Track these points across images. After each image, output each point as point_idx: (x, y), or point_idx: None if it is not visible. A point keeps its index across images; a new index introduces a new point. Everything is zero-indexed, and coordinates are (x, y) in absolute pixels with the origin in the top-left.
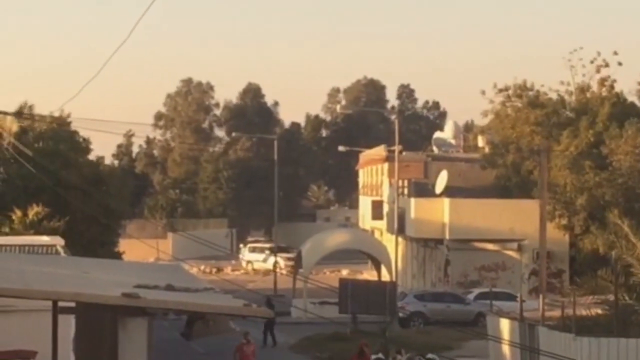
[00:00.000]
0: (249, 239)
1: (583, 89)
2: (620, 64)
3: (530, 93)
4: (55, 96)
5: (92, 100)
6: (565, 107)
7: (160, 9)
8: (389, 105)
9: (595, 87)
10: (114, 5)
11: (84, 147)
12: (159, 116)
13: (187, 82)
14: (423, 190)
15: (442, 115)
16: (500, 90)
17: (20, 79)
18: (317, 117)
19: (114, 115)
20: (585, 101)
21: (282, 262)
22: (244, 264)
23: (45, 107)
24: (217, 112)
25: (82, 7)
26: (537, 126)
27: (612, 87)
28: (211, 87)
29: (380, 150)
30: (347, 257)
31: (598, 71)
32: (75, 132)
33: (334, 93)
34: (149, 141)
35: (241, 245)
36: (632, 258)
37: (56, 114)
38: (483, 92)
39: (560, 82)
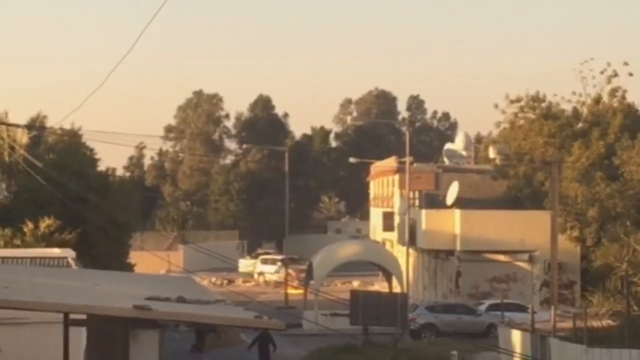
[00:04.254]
0: (259, 250)
1: (597, 100)
2: (631, 74)
3: (543, 104)
4: (69, 109)
5: (105, 113)
6: (578, 118)
7: (171, 21)
8: (400, 117)
9: (606, 98)
10: (127, 20)
11: (91, 158)
12: (169, 128)
13: (198, 94)
14: (434, 201)
15: (453, 127)
16: (512, 102)
17: (33, 91)
18: (322, 128)
19: (127, 127)
20: (598, 112)
21: (293, 274)
22: (255, 275)
23: (58, 119)
24: (227, 123)
25: (98, 21)
26: (551, 138)
27: (623, 97)
28: (220, 99)
29: (391, 162)
30: (358, 268)
31: (609, 82)
32: (84, 144)
33: (345, 104)
34: (160, 153)
35: (240, 260)
36: None
37: (61, 125)
38: (496, 106)
39: (572, 93)
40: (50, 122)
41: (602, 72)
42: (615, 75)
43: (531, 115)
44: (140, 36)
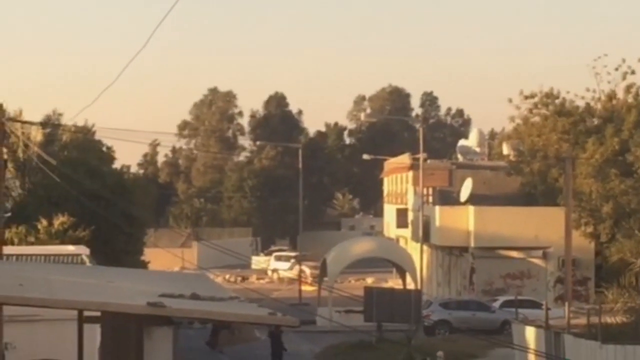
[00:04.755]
0: (273, 247)
1: (610, 97)
2: None
3: (557, 101)
4: (84, 106)
5: (119, 111)
6: (592, 114)
7: (186, 20)
8: (413, 114)
9: (621, 94)
10: (143, 17)
11: (108, 156)
12: (183, 125)
13: (213, 91)
14: (448, 198)
15: (467, 123)
16: (527, 97)
17: (48, 88)
18: (336, 124)
19: (142, 125)
20: (612, 108)
21: (307, 271)
22: (269, 272)
23: (73, 117)
24: (241, 120)
25: (112, 18)
26: (564, 134)
27: (637, 94)
28: (234, 96)
29: (404, 159)
30: (372, 265)
31: (624, 78)
32: (99, 142)
33: (359, 101)
34: (174, 150)
35: (254, 257)
36: None
37: (73, 123)
38: (510, 100)
39: (586, 90)
40: (65, 120)
41: (616, 69)
42: (633, 72)
43: (545, 112)
44: (154, 33)
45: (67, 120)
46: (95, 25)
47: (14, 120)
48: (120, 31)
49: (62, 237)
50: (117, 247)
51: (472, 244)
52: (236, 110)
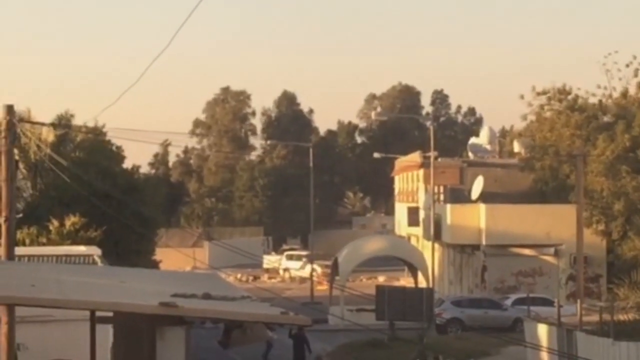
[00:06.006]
0: (284, 246)
1: (624, 94)
2: None
3: (570, 97)
4: (96, 106)
5: (131, 110)
6: (604, 111)
7: (197, 19)
8: (424, 112)
9: (632, 91)
10: (152, 16)
11: (117, 156)
12: (196, 123)
13: (225, 90)
14: (459, 196)
15: (478, 121)
16: (539, 94)
17: (60, 89)
18: (349, 123)
19: (153, 124)
20: (624, 105)
21: (319, 270)
22: (280, 272)
23: (85, 117)
24: (253, 120)
25: (122, 17)
26: (577, 130)
27: None
28: (247, 96)
29: (415, 157)
30: (383, 263)
31: (635, 75)
32: (109, 142)
33: (370, 99)
34: (186, 150)
35: (265, 256)
36: None
37: (92, 123)
38: (522, 97)
39: (597, 86)
40: (77, 120)
41: (627, 65)
42: None
43: (558, 107)
44: (176, 34)
45: (87, 120)
46: (101, 26)
47: (26, 121)
48: (124, 32)
49: (73, 238)
50: (128, 247)
51: (484, 242)
52: (249, 110)
